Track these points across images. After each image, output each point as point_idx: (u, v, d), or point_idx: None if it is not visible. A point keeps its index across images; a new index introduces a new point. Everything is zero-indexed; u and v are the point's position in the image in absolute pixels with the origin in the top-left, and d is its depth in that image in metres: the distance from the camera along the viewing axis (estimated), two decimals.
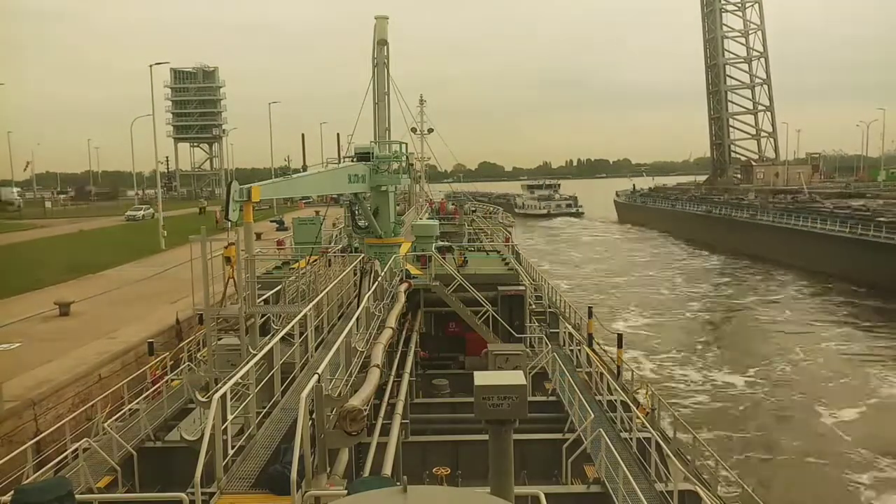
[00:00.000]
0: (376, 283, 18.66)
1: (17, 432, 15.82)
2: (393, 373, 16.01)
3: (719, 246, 74.23)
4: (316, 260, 21.90)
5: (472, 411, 6.72)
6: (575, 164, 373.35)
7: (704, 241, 78.31)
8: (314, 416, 8.71)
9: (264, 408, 11.49)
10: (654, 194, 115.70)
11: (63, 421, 14.10)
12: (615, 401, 16.44)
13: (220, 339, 14.73)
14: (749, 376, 31.01)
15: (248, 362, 11.15)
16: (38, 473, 11.83)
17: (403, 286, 20.07)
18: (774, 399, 28.26)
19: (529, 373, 17.83)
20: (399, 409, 14.07)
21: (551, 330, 23.50)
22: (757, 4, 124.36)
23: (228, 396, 9.73)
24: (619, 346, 23.64)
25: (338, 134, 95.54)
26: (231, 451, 9.54)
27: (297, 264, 24.71)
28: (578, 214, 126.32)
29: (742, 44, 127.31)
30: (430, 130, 65.57)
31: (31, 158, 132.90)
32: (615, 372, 21.35)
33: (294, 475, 7.82)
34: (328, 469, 8.85)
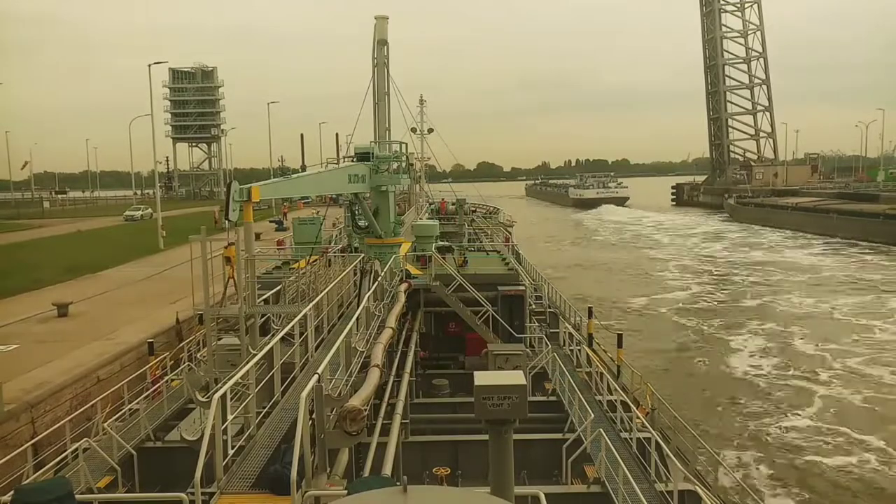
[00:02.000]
0: (376, 283, 18.65)
1: (14, 436, 15.71)
2: (393, 373, 15.99)
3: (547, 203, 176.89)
4: (316, 260, 21.89)
5: (472, 411, 6.71)
6: (574, 164, 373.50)
7: (546, 201, 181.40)
8: (314, 416, 8.70)
9: (264, 408, 11.48)
10: (543, 184, 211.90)
11: (63, 421, 14.06)
12: (615, 401, 16.43)
13: (220, 339, 14.71)
14: None
15: (248, 362, 11.14)
16: (37, 473, 11.81)
17: (403, 286, 20.06)
18: None
19: (529, 373, 17.83)
20: (399, 409, 14.05)
21: (551, 330, 23.48)
22: (756, 5, 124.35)
23: (228, 396, 9.72)
24: (619, 345, 23.64)
25: (336, 134, 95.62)
26: (231, 451, 9.53)
27: (296, 264, 24.69)
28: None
29: (741, 44, 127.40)
30: (430, 130, 65.60)
31: (30, 158, 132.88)
32: (615, 372, 21.35)
33: (294, 475, 7.82)
34: (328, 469, 8.85)
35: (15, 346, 21.61)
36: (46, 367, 19.12)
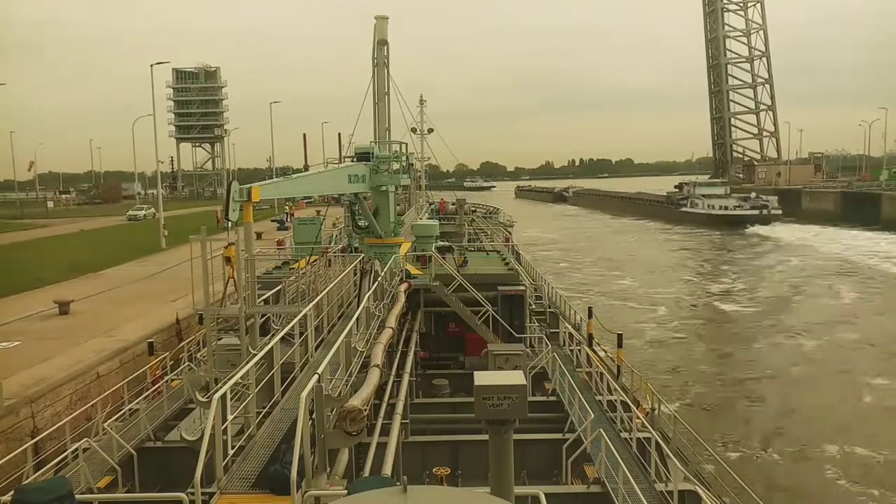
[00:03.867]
0: (376, 283, 18.64)
1: (15, 429, 15.86)
2: (393, 373, 15.99)
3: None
4: (316, 260, 21.88)
5: (472, 411, 6.71)
6: (577, 163, 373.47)
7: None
8: (314, 416, 8.70)
9: (264, 408, 11.47)
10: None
11: (63, 421, 14.09)
12: (615, 401, 16.43)
13: (220, 339, 14.71)
14: None
15: (248, 362, 11.14)
16: (38, 473, 11.83)
17: (403, 286, 20.05)
18: None
19: (529, 373, 17.82)
20: (399, 409, 14.03)
21: (551, 330, 23.47)
22: (759, 4, 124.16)
23: (228, 396, 9.71)
24: (619, 345, 23.63)
25: (339, 134, 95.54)
26: (231, 451, 9.53)
27: (296, 264, 24.69)
28: None
29: (744, 43, 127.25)
30: (431, 130, 65.58)
31: (34, 159, 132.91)
32: (615, 372, 21.34)
33: (294, 475, 7.81)
34: (328, 469, 8.85)
35: (17, 342, 21.74)
36: (46, 364, 19.23)
